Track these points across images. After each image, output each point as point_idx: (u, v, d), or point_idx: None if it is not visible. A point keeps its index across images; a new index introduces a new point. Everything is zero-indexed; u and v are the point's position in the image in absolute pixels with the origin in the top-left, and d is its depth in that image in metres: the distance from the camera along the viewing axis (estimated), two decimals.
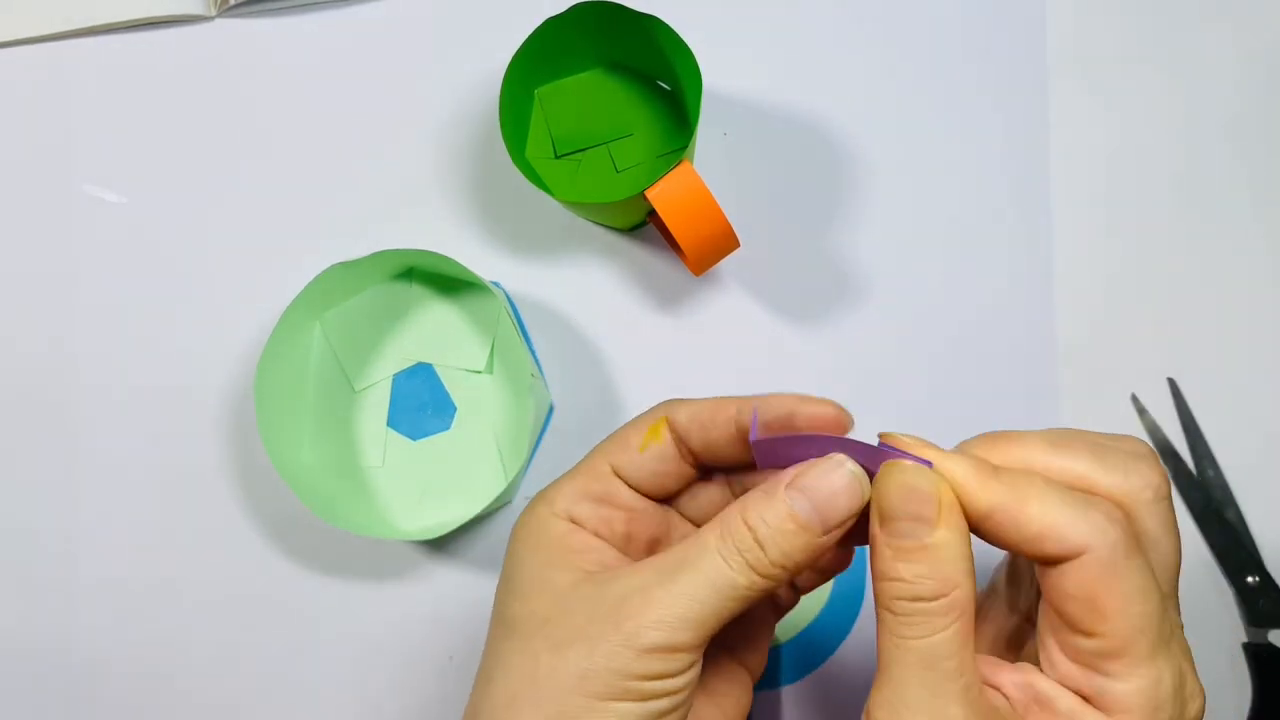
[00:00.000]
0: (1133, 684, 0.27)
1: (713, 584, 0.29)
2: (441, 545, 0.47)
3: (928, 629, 0.27)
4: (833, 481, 0.29)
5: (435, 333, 0.46)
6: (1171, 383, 0.47)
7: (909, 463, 0.29)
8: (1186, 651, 0.29)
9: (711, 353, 0.47)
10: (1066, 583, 0.28)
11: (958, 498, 0.29)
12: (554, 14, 0.42)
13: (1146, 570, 0.28)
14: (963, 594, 0.28)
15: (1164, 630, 0.28)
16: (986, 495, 0.28)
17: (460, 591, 0.46)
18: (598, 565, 0.32)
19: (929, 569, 0.28)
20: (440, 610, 0.46)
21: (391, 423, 0.46)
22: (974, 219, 0.48)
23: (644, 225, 0.48)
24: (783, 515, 0.29)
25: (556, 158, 0.46)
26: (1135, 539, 0.28)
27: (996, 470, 0.29)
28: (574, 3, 0.42)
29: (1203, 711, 0.29)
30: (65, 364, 0.49)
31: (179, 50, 0.49)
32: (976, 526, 0.29)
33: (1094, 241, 0.47)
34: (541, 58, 0.44)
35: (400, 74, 0.49)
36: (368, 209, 0.48)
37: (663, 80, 0.46)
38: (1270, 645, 0.45)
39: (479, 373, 0.46)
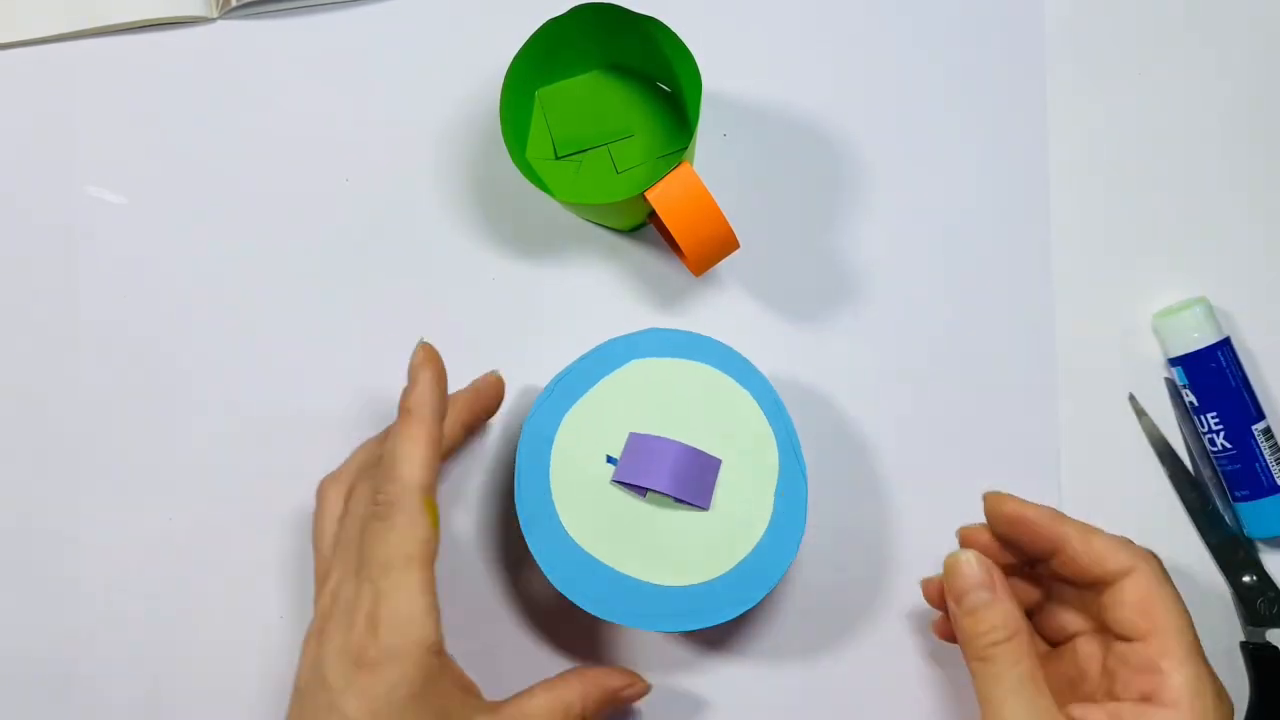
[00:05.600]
0: (1180, 677, 0.35)
1: None
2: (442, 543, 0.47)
3: (1009, 663, 0.36)
4: None
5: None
6: (1170, 383, 0.47)
7: (964, 554, 0.38)
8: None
9: None
10: (1124, 595, 0.36)
11: (1042, 533, 0.38)
12: (554, 15, 0.42)
13: (1178, 595, 0.36)
14: (1025, 636, 0.37)
15: (1196, 641, 0.36)
16: (1062, 529, 0.38)
17: (460, 588, 0.47)
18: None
19: (1000, 618, 0.37)
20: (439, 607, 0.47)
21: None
22: (973, 219, 0.48)
23: (644, 226, 0.48)
24: None
25: (557, 159, 0.46)
26: (1168, 574, 0.37)
27: (1062, 515, 0.38)
28: (574, 4, 0.42)
29: (1232, 712, 0.36)
30: (66, 364, 0.49)
31: (181, 52, 0.50)
32: (1053, 556, 0.38)
33: (1092, 241, 0.48)
34: (542, 59, 0.44)
35: (401, 75, 0.49)
36: (368, 209, 0.48)
37: (663, 82, 0.46)
38: (1268, 645, 0.45)
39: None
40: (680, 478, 0.41)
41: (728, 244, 0.42)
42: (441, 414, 0.39)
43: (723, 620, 0.40)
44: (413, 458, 0.37)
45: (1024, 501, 0.39)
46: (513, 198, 0.48)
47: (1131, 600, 0.36)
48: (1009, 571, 0.40)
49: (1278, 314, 0.47)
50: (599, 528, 0.41)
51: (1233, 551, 0.45)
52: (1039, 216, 0.48)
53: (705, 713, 0.46)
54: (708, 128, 0.48)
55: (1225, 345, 0.45)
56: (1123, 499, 0.47)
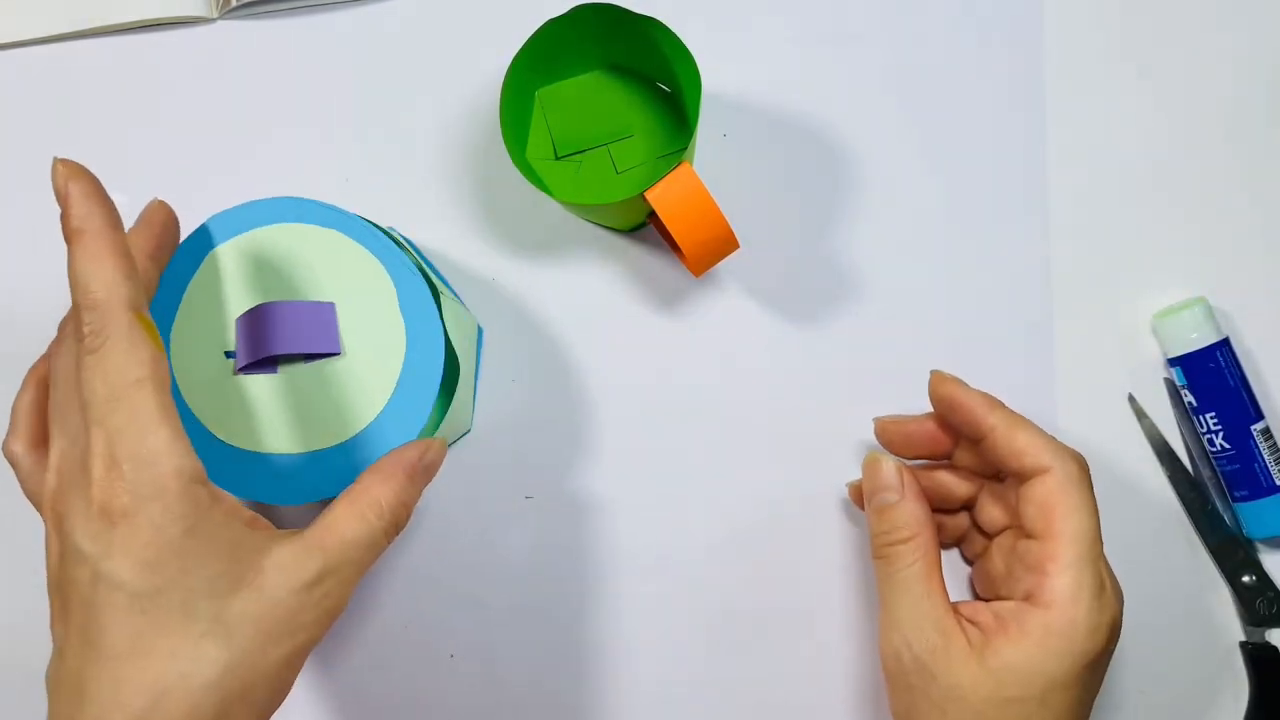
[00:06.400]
0: (1061, 580, 0.36)
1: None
2: (440, 541, 0.47)
3: (904, 563, 0.38)
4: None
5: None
6: (1169, 383, 0.47)
7: (882, 455, 0.41)
8: (1109, 570, 0.38)
9: (711, 353, 0.47)
10: (1033, 492, 0.37)
11: (972, 420, 0.39)
12: (554, 16, 0.42)
13: (1089, 500, 0.37)
14: (925, 539, 0.39)
15: (1094, 547, 0.37)
16: (992, 419, 0.39)
17: (460, 588, 0.47)
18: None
19: (903, 519, 0.39)
20: (440, 607, 0.47)
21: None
22: (972, 219, 0.48)
23: (644, 226, 0.48)
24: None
25: (557, 159, 0.46)
26: (1089, 479, 0.38)
27: (998, 405, 0.39)
28: (574, 4, 0.42)
29: (1119, 617, 0.37)
30: None
31: (181, 52, 0.50)
32: (978, 443, 0.39)
33: (1092, 241, 0.48)
34: (542, 59, 0.44)
35: (401, 76, 0.49)
36: (368, 210, 0.48)
37: (663, 82, 0.46)
38: (1267, 645, 0.45)
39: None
40: (291, 333, 0.37)
41: (727, 244, 0.42)
42: (115, 222, 0.33)
43: (420, 427, 0.38)
44: (103, 274, 0.31)
45: (965, 386, 0.40)
46: (513, 198, 0.48)
47: (1037, 499, 0.37)
48: (943, 458, 0.43)
49: (1277, 314, 0.47)
50: (250, 422, 0.38)
51: (1232, 552, 0.45)
52: (1038, 216, 0.48)
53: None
54: (708, 128, 0.48)
55: (1224, 345, 0.45)
56: (1123, 499, 0.46)
